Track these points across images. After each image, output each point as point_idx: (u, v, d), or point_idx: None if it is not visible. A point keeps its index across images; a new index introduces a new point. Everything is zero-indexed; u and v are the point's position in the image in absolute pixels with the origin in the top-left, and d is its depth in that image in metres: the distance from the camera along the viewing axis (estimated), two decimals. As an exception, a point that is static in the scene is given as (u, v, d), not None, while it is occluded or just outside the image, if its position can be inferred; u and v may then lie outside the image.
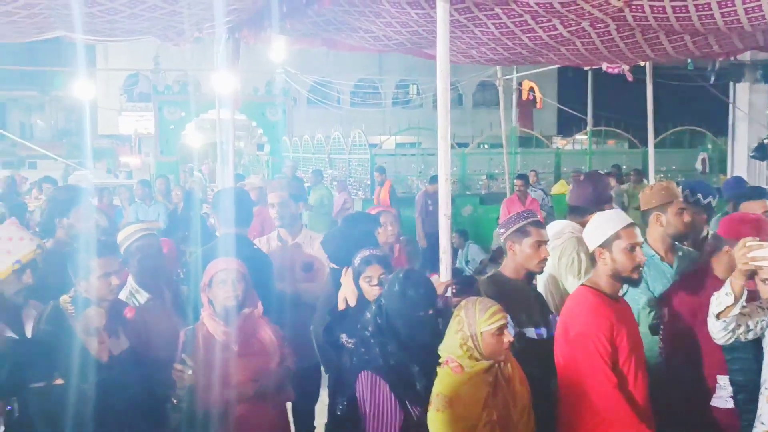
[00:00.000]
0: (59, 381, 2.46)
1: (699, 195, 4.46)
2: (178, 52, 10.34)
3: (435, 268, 3.77)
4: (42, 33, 5.60)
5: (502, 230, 3.81)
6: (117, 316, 3.47)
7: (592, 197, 4.45)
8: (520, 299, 3.66)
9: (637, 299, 3.81)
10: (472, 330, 3.11)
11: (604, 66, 7.25)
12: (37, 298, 3.55)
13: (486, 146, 24.16)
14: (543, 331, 3.64)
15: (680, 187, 4.41)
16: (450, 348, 3.17)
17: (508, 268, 3.78)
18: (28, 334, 3.41)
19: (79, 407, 2.53)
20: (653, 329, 3.84)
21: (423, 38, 6.09)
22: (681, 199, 4.11)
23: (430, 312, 3.18)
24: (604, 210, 3.92)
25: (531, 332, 3.61)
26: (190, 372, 3.20)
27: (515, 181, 12.24)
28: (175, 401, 3.16)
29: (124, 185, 13.80)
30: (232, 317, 3.53)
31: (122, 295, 3.92)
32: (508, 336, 3.13)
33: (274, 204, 4.96)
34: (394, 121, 33.55)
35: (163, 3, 4.84)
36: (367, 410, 3.12)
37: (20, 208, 8.94)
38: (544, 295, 4.04)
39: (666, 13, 4.60)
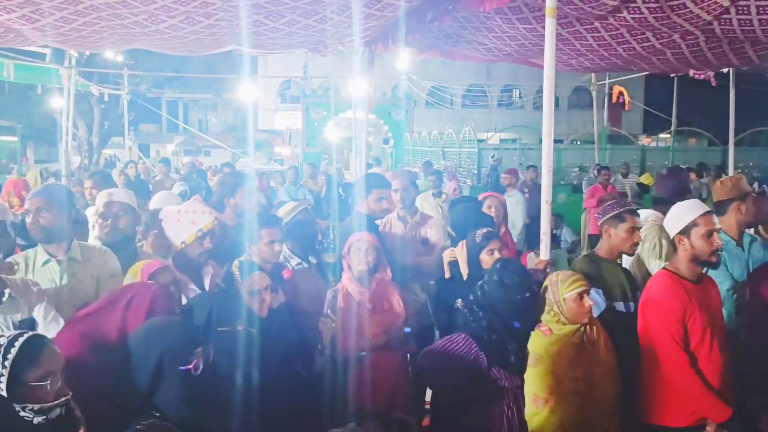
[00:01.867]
0: (240, 327, 2.55)
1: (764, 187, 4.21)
2: (323, 61, 10.49)
3: (533, 245, 3.66)
4: (219, 47, 5.82)
5: (600, 215, 3.65)
6: (278, 276, 3.57)
7: (674, 189, 4.26)
8: (612, 277, 3.52)
9: (721, 283, 3.56)
10: (556, 296, 3.05)
11: (691, 72, 6.81)
12: (214, 259, 3.71)
13: (578, 143, 23.37)
14: (631, 305, 3.47)
15: (756, 182, 4.16)
16: (542, 315, 3.11)
17: (602, 249, 3.64)
18: (206, 287, 3.57)
19: (250, 348, 2.62)
20: (738, 311, 3.59)
21: (528, 49, 5.92)
22: (752, 191, 3.87)
23: (527, 295, 3.07)
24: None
25: (620, 306, 3.45)
26: (333, 324, 3.25)
27: (600, 171, 11.75)
28: (320, 347, 3.21)
29: (278, 170, 14.22)
30: (365, 280, 3.57)
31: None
32: (588, 301, 3.02)
33: (398, 189, 4.95)
34: (499, 120, 33.08)
35: (314, 23, 4.92)
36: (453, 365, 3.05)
37: (200, 188, 9.36)
38: (631, 275, 3.85)
39: (753, 25, 4.28)
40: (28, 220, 3.30)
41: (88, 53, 11.95)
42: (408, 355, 3.67)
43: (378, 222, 4.84)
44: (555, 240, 11.43)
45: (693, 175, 12.15)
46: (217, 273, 3.45)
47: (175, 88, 32.80)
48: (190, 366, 2.05)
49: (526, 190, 11.57)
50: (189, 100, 41.43)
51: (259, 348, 2.68)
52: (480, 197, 5.25)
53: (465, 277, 3.73)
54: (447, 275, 3.90)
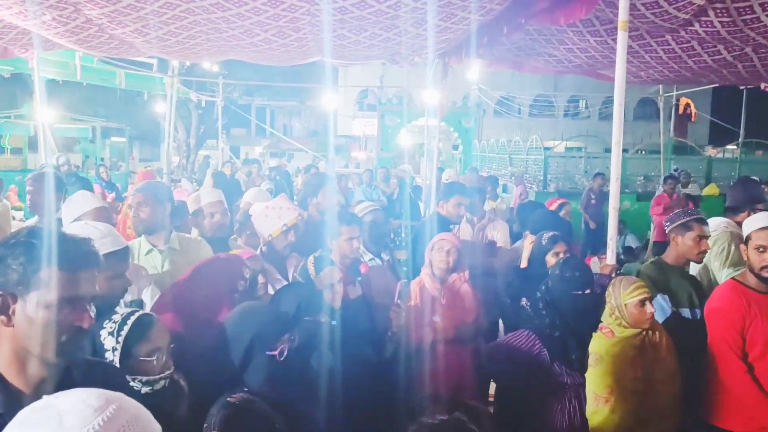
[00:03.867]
0: (323, 318, 2.59)
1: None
2: (399, 72, 10.54)
3: (597, 250, 3.57)
4: (305, 59, 5.94)
5: (668, 223, 3.53)
6: (355, 270, 3.62)
7: (744, 198, 4.06)
8: (678, 283, 3.40)
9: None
10: (618, 302, 2.99)
11: (762, 85, 6.45)
12: (298, 252, 3.77)
13: (643, 152, 22.51)
14: (697, 312, 3.33)
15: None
16: (604, 317, 3.05)
17: (669, 256, 3.52)
18: (290, 278, 3.65)
19: (331, 337, 2.66)
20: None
21: (598, 61, 5.75)
22: None
23: (587, 292, 2.99)
24: (756, 210, 3.55)
25: (686, 312, 3.33)
26: (403, 313, 3.26)
27: (666, 180, 11.29)
28: (390, 334, 3.23)
29: (355, 173, 14.37)
30: (444, 278, 3.58)
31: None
32: (650, 308, 2.92)
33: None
34: (565, 129, 32.34)
35: (392, 36, 4.95)
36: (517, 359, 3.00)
37: (283, 188, 9.59)
38: (697, 282, 3.69)
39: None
40: (130, 213, 3.48)
41: (188, 63, 12.42)
42: (475, 349, 3.65)
43: (454, 227, 4.84)
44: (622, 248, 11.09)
45: (766, 187, 11.53)
46: (299, 265, 3.51)
47: (263, 95, 33.73)
48: (276, 352, 2.10)
49: (593, 197, 11.35)
50: (275, 106, 42.43)
51: (338, 336, 2.72)
52: (553, 205, 5.15)
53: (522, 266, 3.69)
54: (524, 265, 3.85)
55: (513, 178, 15.43)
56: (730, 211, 4.17)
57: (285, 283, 3.41)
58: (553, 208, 5.15)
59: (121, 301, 2.46)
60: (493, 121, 32.53)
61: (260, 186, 8.34)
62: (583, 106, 36.34)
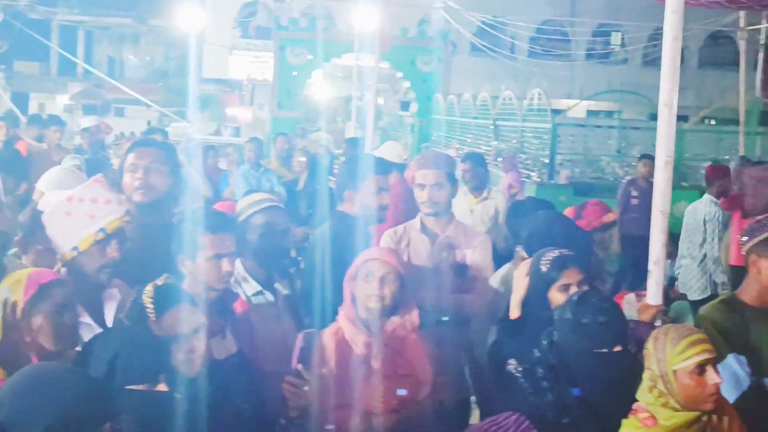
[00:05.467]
0: (163, 386, 2.57)
1: None
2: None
3: (635, 284, 3.67)
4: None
5: (745, 238, 3.66)
6: (225, 312, 3.59)
7: None
8: (764, 336, 3.52)
9: None
10: (662, 368, 3.00)
11: None
12: (124, 277, 3.71)
13: (713, 122, 23.28)
14: (794, 383, 3.47)
15: None
16: (641, 393, 3.07)
17: (748, 291, 3.65)
18: (108, 321, 3.59)
19: (181, 422, 2.64)
20: None
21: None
22: None
23: (617, 350, 3.05)
24: None
25: (774, 383, 3.45)
26: (306, 388, 3.27)
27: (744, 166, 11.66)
28: (284, 422, 3.23)
29: (232, 144, 14.26)
30: (376, 324, 3.61)
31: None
32: (715, 377, 2.98)
33: (425, 185, 4.97)
34: (586, 80, 33.00)
35: None
36: None
37: (101, 164, 9.39)
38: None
39: None
40: None
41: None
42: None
43: (372, 228, 4.88)
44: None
45: None
46: (126, 300, 3.47)
47: (73, 6, 33.04)
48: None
49: (634, 194, 11.51)
50: (94, 26, 41.63)
51: (192, 422, 2.70)
52: (590, 219, 5.16)
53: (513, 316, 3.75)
54: (515, 315, 3.88)
55: (499, 159, 15.62)
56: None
57: (98, 329, 3.36)
58: (585, 224, 5.08)
59: None
60: (470, 62, 32.98)
61: (62, 163, 8.16)
62: (618, 42, 37.31)
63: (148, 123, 23.27)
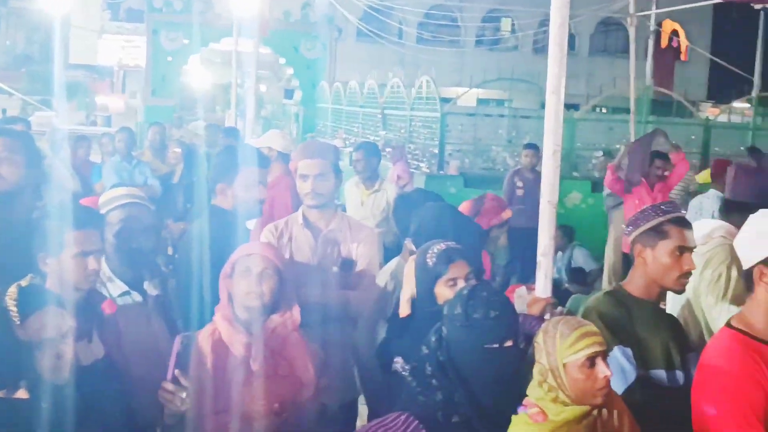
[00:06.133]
0: (22, 393, 2.53)
1: None
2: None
3: (523, 277, 3.73)
4: None
5: (630, 228, 3.71)
6: (91, 313, 3.53)
7: (760, 191, 4.32)
8: (649, 328, 3.58)
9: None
10: (552, 361, 3.04)
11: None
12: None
13: (604, 110, 23.86)
14: (679, 375, 3.54)
15: None
16: (531, 388, 3.11)
17: (634, 283, 3.70)
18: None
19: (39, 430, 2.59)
20: None
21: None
22: None
23: (509, 344, 3.09)
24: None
25: (660, 375, 3.52)
26: (183, 395, 3.24)
27: (655, 159, 11.80)
28: (158, 430, 3.20)
29: (104, 134, 13.97)
30: (256, 323, 3.59)
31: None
32: (605, 369, 3.04)
33: (308, 175, 4.96)
34: (476, 67, 33.42)
35: None
36: None
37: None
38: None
39: None
40: None
41: None
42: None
43: (251, 224, 4.86)
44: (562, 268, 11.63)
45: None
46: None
47: None
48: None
49: (519, 184, 11.69)
50: (-53, 7, 40.38)
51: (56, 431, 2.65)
52: (488, 216, 5.25)
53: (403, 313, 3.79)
54: (404, 311, 3.91)
55: (388, 149, 15.69)
56: (733, 209, 4.41)
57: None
58: (485, 222, 5.18)
59: None
60: (356, 49, 33.10)
61: None
62: (508, 28, 37.88)
63: (3, 112, 22.64)
